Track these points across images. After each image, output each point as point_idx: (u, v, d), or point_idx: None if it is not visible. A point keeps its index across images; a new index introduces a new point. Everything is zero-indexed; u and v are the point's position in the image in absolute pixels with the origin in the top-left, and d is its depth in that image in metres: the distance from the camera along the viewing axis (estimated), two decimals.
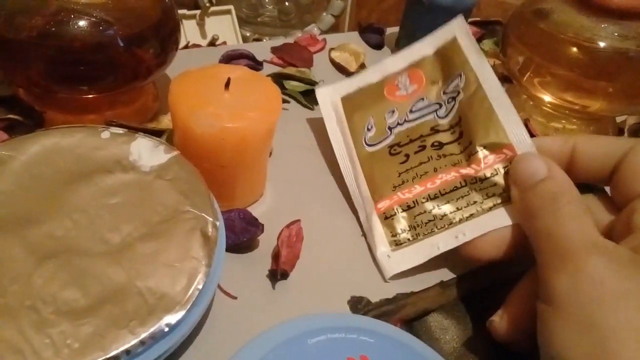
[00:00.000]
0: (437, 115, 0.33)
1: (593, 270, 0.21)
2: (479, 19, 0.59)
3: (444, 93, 0.34)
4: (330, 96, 0.38)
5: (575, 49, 0.39)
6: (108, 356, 0.20)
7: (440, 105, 0.34)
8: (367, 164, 0.34)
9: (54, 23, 0.30)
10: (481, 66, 0.32)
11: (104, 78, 0.32)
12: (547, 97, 0.42)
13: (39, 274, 0.22)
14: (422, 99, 0.34)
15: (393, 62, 0.36)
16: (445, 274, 0.31)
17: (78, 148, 0.27)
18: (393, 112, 0.35)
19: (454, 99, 0.33)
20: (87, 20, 0.30)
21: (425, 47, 0.36)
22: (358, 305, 0.29)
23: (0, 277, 0.22)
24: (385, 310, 0.29)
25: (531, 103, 0.44)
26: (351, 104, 0.37)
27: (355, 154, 0.35)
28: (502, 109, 0.30)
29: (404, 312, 0.29)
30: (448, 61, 0.34)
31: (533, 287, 0.26)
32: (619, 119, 0.46)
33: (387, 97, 0.36)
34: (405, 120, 0.34)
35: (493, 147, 0.30)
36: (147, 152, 0.27)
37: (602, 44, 0.37)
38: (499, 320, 0.26)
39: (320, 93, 0.38)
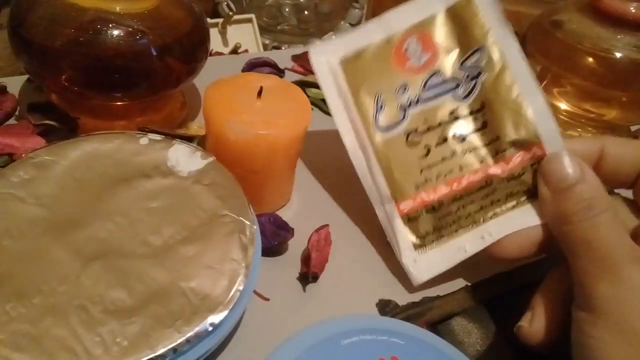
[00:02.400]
0: (455, 95, 0.31)
1: (635, 280, 0.22)
2: None
3: (461, 67, 0.31)
4: (327, 59, 0.31)
5: (591, 59, 0.40)
6: (156, 354, 0.21)
7: (458, 85, 0.31)
8: (382, 153, 0.31)
9: (90, 32, 0.31)
10: (506, 40, 0.29)
11: (136, 86, 0.33)
12: (563, 106, 0.42)
13: (86, 274, 0.23)
14: (437, 72, 0.31)
15: (398, 17, 0.31)
16: (469, 278, 0.32)
17: (117, 153, 0.28)
18: (405, 88, 0.31)
19: (474, 78, 0.30)
20: (122, 30, 0.31)
21: (434, 1, 0.31)
22: (386, 308, 0.30)
23: (49, 278, 0.23)
24: (412, 313, 0.29)
25: None
26: (354, 73, 0.31)
27: (368, 139, 0.31)
28: (532, 99, 0.29)
29: (430, 315, 0.30)
30: (465, 28, 0.30)
31: (560, 289, 0.26)
32: (633, 128, 0.47)
33: (396, 68, 0.31)
34: (419, 100, 0.31)
35: (522, 145, 0.29)
36: (184, 158, 0.28)
37: (618, 55, 0.38)
38: (528, 325, 0.26)
39: (315, 54, 0.31)
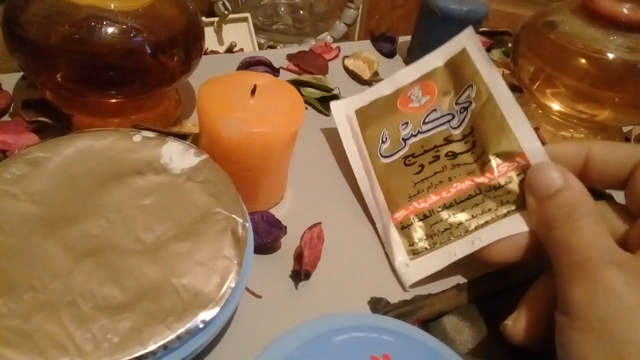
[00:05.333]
0: (450, 125, 0.34)
1: (610, 282, 0.22)
2: (487, 29, 0.60)
3: (456, 103, 0.34)
4: (344, 110, 0.39)
5: (584, 60, 0.40)
6: (147, 351, 0.21)
7: (453, 116, 0.34)
8: (383, 175, 0.35)
9: (84, 29, 0.31)
10: (491, 77, 0.33)
11: (131, 83, 0.33)
12: (556, 106, 0.43)
13: (78, 271, 0.23)
14: (435, 110, 0.35)
15: (404, 74, 0.37)
16: (460, 277, 0.32)
17: (111, 150, 0.28)
18: (407, 124, 0.36)
19: (466, 109, 0.33)
20: (117, 27, 0.31)
21: (435, 59, 0.36)
22: (378, 305, 0.30)
23: (41, 274, 0.23)
24: (403, 311, 0.30)
25: (540, 112, 0.45)
26: (365, 116, 0.38)
27: (371, 165, 0.36)
28: (513, 117, 0.31)
29: (421, 313, 0.30)
30: (459, 72, 0.35)
31: (546, 292, 0.27)
32: (625, 129, 0.47)
33: (400, 109, 0.36)
34: (419, 132, 0.35)
35: (506, 156, 0.30)
36: (177, 156, 0.28)
37: (611, 56, 0.39)
38: (513, 324, 0.27)
39: (335, 107, 0.39)
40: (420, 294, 0.31)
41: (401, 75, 0.37)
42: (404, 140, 0.35)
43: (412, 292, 0.31)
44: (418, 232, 0.32)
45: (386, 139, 0.36)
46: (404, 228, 0.32)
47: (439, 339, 0.28)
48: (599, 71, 0.40)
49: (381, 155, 0.36)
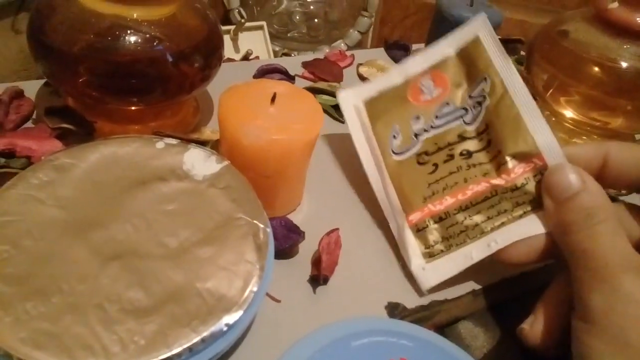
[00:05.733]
0: (463, 121, 0.33)
1: (629, 289, 0.22)
2: (500, 37, 0.60)
3: (470, 97, 0.33)
4: (352, 100, 0.37)
5: (597, 68, 0.40)
6: (172, 353, 0.21)
7: (467, 111, 0.33)
8: (395, 173, 0.34)
9: (108, 38, 0.32)
10: (507, 70, 0.32)
11: (152, 91, 0.34)
12: (569, 114, 0.43)
13: (105, 274, 0.24)
14: (447, 103, 0.34)
15: (414, 63, 0.36)
16: (476, 283, 0.32)
17: (134, 157, 0.29)
18: (418, 118, 0.34)
19: (480, 104, 0.33)
20: (140, 36, 0.32)
21: (446, 47, 0.35)
22: (395, 310, 0.30)
23: (68, 277, 0.23)
24: (420, 316, 0.30)
25: (553, 119, 0.46)
26: (375, 108, 0.36)
27: (383, 162, 0.35)
28: (530, 116, 0.31)
29: (437, 319, 0.30)
30: (472, 63, 0.34)
31: (562, 294, 0.27)
32: (638, 136, 0.48)
33: (411, 101, 0.35)
34: (431, 127, 0.34)
35: (522, 157, 0.30)
36: (199, 162, 0.29)
37: (624, 64, 0.39)
38: (530, 328, 0.27)
39: (342, 97, 0.37)
40: (436, 299, 0.31)
41: (411, 63, 0.36)
42: (416, 135, 0.34)
43: (428, 298, 0.31)
44: (434, 234, 0.32)
45: (397, 134, 0.35)
46: (420, 231, 0.32)
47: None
48: (612, 79, 0.40)
49: (393, 152, 0.35)
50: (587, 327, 0.23)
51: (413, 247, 0.32)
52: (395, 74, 0.36)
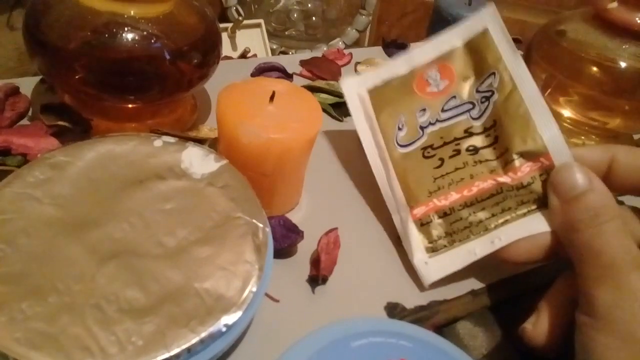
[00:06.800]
0: (470, 115, 0.33)
1: (635, 286, 0.22)
2: None
3: (477, 91, 0.33)
4: (357, 88, 0.36)
5: (596, 68, 0.40)
6: (171, 354, 0.21)
7: (473, 105, 0.33)
8: (400, 166, 0.34)
9: (105, 35, 0.32)
10: (516, 65, 0.32)
11: (149, 89, 0.33)
12: (567, 113, 0.43)
13: (102, 274, 0.23)
14: (454, 96, 0.34)
15: (421, 53, 0.35)
16: (476, 283, 0.32)
17: (132, 155, 0.28)
18: (424, 110, 0.34)
19: (487, 99, 0.32)
20: (137, 34, 0.32)
21: (453, 38, 0.34)
22: (394, 310, 0.30)
23: (65, 276, 0.23)
24: (419, 316, 0.30)
25: None
26: (379, 98, 0.35)
27: (387, 154, 0.34)
28: (539, 114, 0.30)
29: (437, 319, 0.30)
30: (480, 56, 0.33)
31: (566, 294, 0.27)
32: (636, 136, 0.48)
33: (418, 93, 0.34)
34: (437, 120, 0.34)
35: (530, 155, 0.30)
36: (198, 161, 0.28)
37: (623, 64, 0.39)
38: (533, 327, 0.27)
39: (346, 84, 0.36)
40: (435, 299, 0.31)
41: (417, 53, 0.35)
42: (422, 128, 0.34)
43: (427, 298, 0.31)
44: (437, 229, 0.32)
45: (403, 125, 0.34)
46: (423, 225, 0.32)
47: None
48: (611, 79, 0.40)
49: (398, 144, 0.34)
50: (592, 322, 0.23)
51: (416, 241, 0.32)
52: (400, 63, 0.35)
